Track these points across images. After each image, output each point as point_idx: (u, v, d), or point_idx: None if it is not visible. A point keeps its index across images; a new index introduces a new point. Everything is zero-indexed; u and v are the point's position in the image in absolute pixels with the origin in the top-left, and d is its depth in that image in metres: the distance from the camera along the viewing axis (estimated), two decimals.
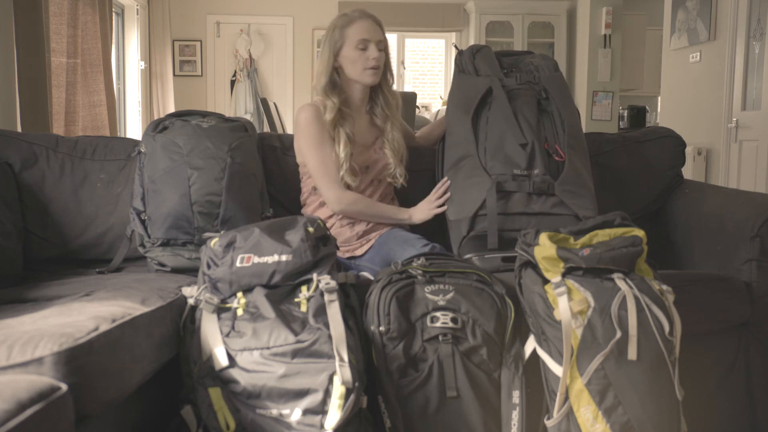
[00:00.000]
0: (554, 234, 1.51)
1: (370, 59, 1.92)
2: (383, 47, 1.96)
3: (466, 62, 1.97)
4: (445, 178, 1.90)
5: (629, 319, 1.36)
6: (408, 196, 2.08)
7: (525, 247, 1.52)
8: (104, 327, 1.17)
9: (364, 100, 2.03)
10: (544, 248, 1.46)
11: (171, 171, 1.81)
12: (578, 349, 1.36)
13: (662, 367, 1.36)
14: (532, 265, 1.51)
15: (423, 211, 1.93)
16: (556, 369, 1.39)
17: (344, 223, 1.96)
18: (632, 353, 1.34)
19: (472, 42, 7.11)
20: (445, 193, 1.89)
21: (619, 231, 1.50)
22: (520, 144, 1.77)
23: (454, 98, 1.98)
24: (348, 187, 1.93)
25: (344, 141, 1.91)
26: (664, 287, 1.43)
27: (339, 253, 1.93)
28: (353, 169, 1.92)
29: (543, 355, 1.44)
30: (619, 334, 1.35)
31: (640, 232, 1.48)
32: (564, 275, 1.43)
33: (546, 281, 1.46)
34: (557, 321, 1.39)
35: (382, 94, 2.03)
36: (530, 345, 1.48)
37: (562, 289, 1.40)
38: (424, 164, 2.11)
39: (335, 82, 1.96)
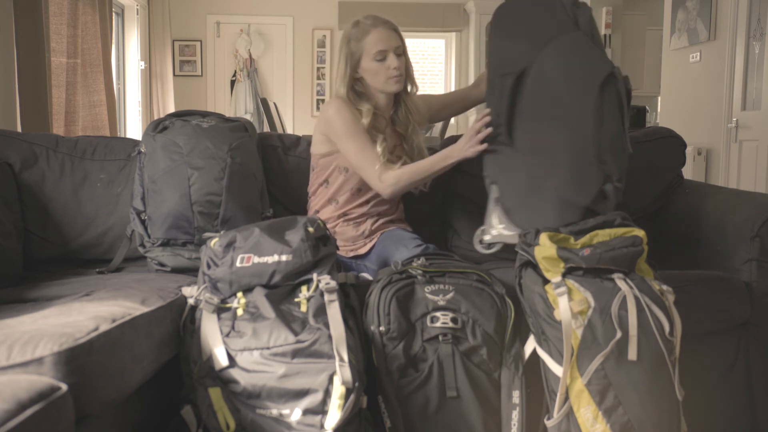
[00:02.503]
0: (554, 234, 1.51)
1: (391, 68, 1.86)
2: (401, 52, 1.90)
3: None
4: (487, 110, 1.75)
5: (629, 319, 1.36)
6: (409, 196, 2.08)
7: (525, 247, 1.52)
8: (104, 327, 1.17)
9: (389, 106, 1.98)
10: (545, 248, 1.46)
11: (171, 171, 1.81)
12: (578, 349, 1.36)
13: (662, 367, 1.36)
14: (532, 265, 1.51)
15: (462, 149, 1.77)
16: (556, 369, 1.39)
17: (349, 222, 1.96)
18: (632, 353, 1.34)
19: (472, 42, 7.11)
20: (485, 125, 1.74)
21: (620, 231, 1.50)
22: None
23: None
24: (332, 185, 1.93)
25: (381, 139, 1.86)
26: (665, 287, 1.43)
27: (342, 253, 1.93)
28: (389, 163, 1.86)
29: (543, 355, 1.44)
30: (619, 334, 1.35)
31: (640, 232, 1.48)
32: (564, 275, 1.43)
33: (546, 281, 1.46)
34: (557, 321, 1.39)
35: (404, 103, 1.97)
36: (530, 345, 1.48)
37: (563, 289, 1.40)
38: None
39: (358, 92, 1.92)
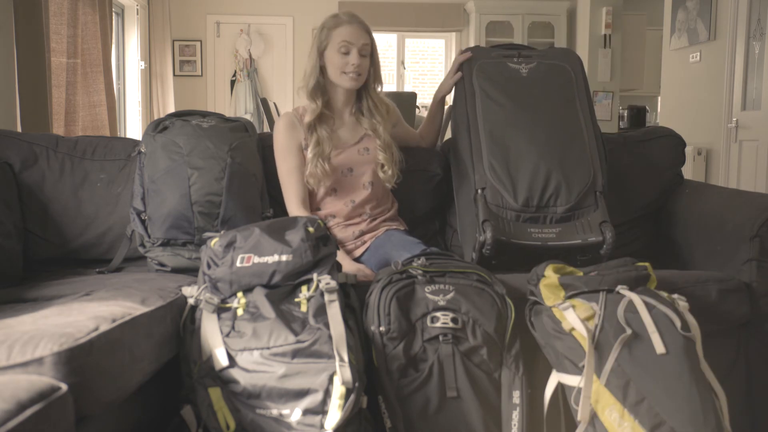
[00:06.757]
0: (562, 267, 1.54)
1: (350, 64, 1.91)
2: (368, 53, 1.94)
3: None
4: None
5: (643, 318, 1.36)
6: (407, 196, 2.08)
7: (532, 288, 1.55)
8: (104, 327, 1.17)
9: (349, 103, 2.02)
10: (548, 278, 1.50)
11: (171, 171, 1.81)
12: (592, 352, 1.36)
13: (685, 360, 1.33)
14: (539, 303, 1.53)
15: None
16: (573, 380, 1.37)
17: (340, 224, 1.96)
18: (660, 348, 1.33)
19: (472, 42, 7.11)
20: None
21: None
22: None
23: None
24: (311, 193, 1.95)
25: (315, 140, 1.91)
26: (675, 296, 1.45)
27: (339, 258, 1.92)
28: (320, 172, 1.90)
29: (562, 377, 1.42)
30: (628, 331, 1.35)
31: (644, 263, 1.52)
32: (567, 299, 1.46)
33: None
34: (566, 332, 1.40)
35: (368, 99, 2.00)
36: (553, 380, 1.45)
37: (567, 303, 1.43)
38: (420, 165, 2.11)
39: (320, 83, 1.97)
